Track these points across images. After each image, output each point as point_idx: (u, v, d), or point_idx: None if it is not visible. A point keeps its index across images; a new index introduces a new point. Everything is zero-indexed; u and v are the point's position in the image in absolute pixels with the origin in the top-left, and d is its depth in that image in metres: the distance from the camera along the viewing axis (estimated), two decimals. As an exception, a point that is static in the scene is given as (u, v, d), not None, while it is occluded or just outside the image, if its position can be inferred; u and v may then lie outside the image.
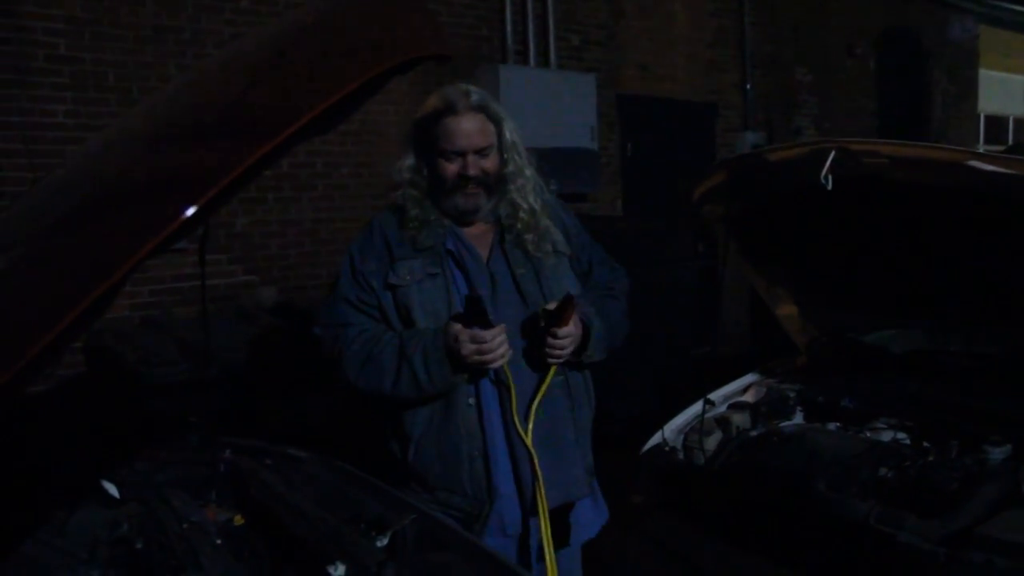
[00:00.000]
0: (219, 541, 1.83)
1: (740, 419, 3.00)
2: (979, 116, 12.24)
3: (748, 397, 3.15)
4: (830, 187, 2.30)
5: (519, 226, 2.13)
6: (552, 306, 2.03)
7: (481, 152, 2.07)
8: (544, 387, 2.09)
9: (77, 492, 1.94)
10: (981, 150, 11.09)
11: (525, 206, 2.13)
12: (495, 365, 2.00)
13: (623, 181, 7.45)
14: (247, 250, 5.38)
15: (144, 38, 4.96)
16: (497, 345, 1.97)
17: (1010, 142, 12.66)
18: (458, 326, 1.98)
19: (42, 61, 4.62)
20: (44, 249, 1.09)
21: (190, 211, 0.92)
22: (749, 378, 3.26)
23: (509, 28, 6.59)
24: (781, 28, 8.93)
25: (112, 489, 1.98)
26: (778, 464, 2.63)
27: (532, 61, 6.70)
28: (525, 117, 6.16)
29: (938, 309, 3.00)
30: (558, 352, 2.06)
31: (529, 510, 2.10)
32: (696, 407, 2.97)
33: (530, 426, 2.07)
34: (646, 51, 7.69)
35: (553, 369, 2.10)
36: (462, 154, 2.06)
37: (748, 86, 8.51)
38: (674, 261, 5.99)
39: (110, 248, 0.95)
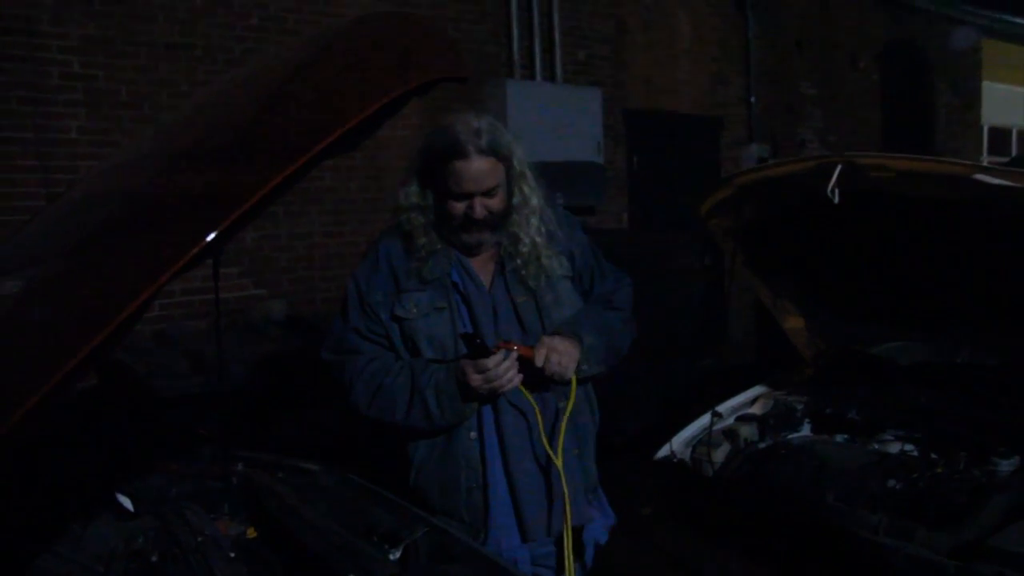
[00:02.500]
0: (232, 554, 1.85)
1: (748, 431, 3.01)
2: (983, 128, 12.25)
3: (756, 409, 3.16)
4: (837, 201, 2.32)
5: (518, 260, 2.14)
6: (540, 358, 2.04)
7: (488, 193, 2.06)
8: (570, 406, 2.11)
9: (92, 506, 1.96)
10: (985, 162, 11.12)
11: (527, 240, 2.13)
12: (506, 389, 2.03)
13: (629, 194, 7.47)
14: (257, 264, 5.42)
15: (157, 55, 5.01)
16: (504, 371, 2.00)
17: (1014, 154, 12.66)
18: (464, 362, 2.01)
19: (56, 79, 4.67)
20: (70, 270, 1.12)
21: (212, 235, 0.94)
22: (757, 390, 3.27)
23: (516, 44, 6.63)
24: (785, 42, 8.97)
25: (127, 503, 1.99)
26: (786, 476, 2.64)
27: (539, 76, 6.74)
28: (532, 131, 6.22)
29: (945, 321, 3.01)
30: (559, 372, 2.06)
31: (527, 537, 2.13)
32: (704, 419, 2.99)
33: (559, 445, 2.09)
34: (651, 65, 7.73)
35: (574, 380, 2.11)
36: (469, 196, 2.05)
37: (753, 99, 8.54)
38: (680, 273, 6.01)
39: (137, 268, 0.97)
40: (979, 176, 2.10)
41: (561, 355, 2.06)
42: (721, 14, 8.35)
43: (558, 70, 6.87)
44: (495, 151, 2.05)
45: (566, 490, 2.08)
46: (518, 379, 2.03)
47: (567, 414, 2.10)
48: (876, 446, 2.86)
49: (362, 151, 5.91)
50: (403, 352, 2.14)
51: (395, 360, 2.13)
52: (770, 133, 8.77)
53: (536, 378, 2.08)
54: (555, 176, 6.34)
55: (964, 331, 3.04)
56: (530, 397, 2.08)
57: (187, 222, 1.07)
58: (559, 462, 2.08)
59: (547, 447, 2.08)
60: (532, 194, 2.16)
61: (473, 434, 2.11)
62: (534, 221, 2.15)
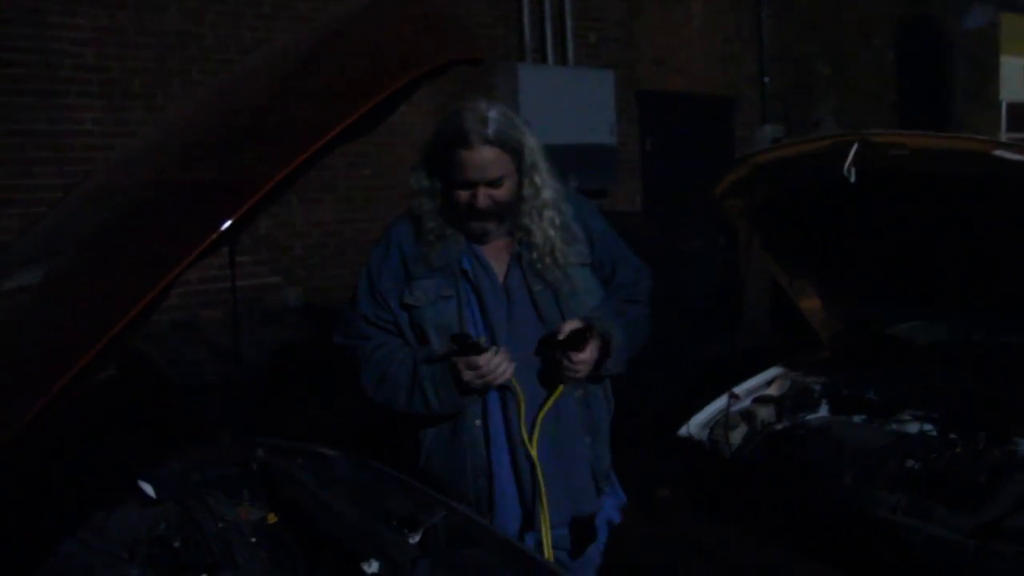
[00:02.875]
0: (253, 539, 1.87)
1: (765, 413, 3.01)
2: (1001, 104, 12.10)
3: (773, 391, 3.15)
4: (853, 180, 2.30)
5: (534, 254, 2.12)
6: (564, 334, 2.05)
7: (493, 183, 2.04)
8: (552, 400, 2.12)
9: (115, 493, 1.98)
10: (1004, 139, 10.97)
11: (539, 233, 2.11)
12: (499, 382, 2.04)
13: (642, 177, 7.44)
14: (272, 252, 5.44)
15: (168, 45, 5.02)
16: (495, 366, 2.00)
17: (1033, 130, 12.51)
18: (454, 359, 2.03)
19: (69, 70, 4.69)
20: (88, 261, 1.13)
21: (228, 222, 0.95)
22: (773, 371, 3.26)
23: (527, 27, 6.60)
24: (798, 21, 8.88)
25: (149, 489, 2.01)
26: (804, 457, 2.64)
27: (550, 59, 6.72)
28: (544, 115, 6.19)
29: (963, 300, 2.99)
30: (573, 374, 2.08)
31: (532, 525, 2.14)
32: (721, 401, 2.98)
33: (535, 436, 2.10)
34: (663, 47, 7.68)
35: (560, 388, 2.12)
36: (473, 185, 2.04)
37: (766, 79, 8.48)
38: (695, 255, 6.00)
39: (154, 257, 0.98)
40: (998, 152, 2.08)
41: (587, 365, 2.08)
42: (734, -6, 8.29)
43: (570, 53, 6.84)
44: (502, 141, 2.02)
45: (542, 483, 2.09)
46: (511, 370, 2.04)
47: (546, 408, 2.11)
48: (894, 426, 2.85)
49: (375, 137, 5.90)
50: (412, 340, 2.15)
51: (400, 347, 2.14)
52: (784, 113, 8.69)
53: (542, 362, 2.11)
54: (568, 159, 6.33)
55: (983, 310, 3.02)
56: (519, 390, 2.09)
57: (202, 210, 1.08)
58: (533, 450, 2.09)
59: (525, 439, 2.09)
60: (544, 186, 2.12)
61: (478, 422, 2.13)
62: (548, 213, 2.12)
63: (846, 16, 9.40)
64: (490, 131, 2.00)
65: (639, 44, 7.48)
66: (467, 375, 2.01)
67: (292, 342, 4.42)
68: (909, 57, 10.22)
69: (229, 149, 1.20)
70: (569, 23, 6.83)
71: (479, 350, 1.99)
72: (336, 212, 5.75)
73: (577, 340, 2.03)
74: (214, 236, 1.00)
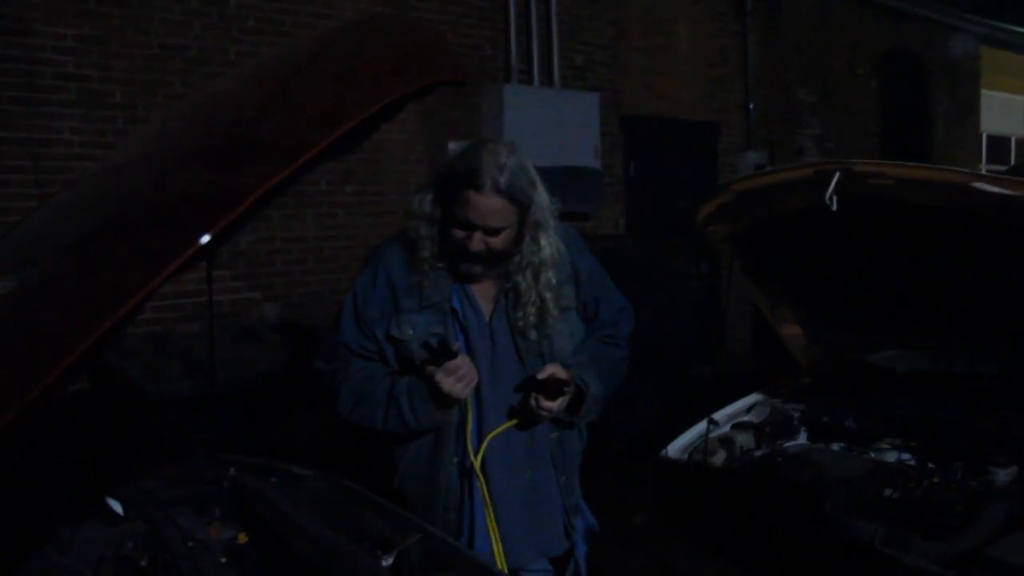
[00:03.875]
0: (223, 560, 1.82)
1: (744, 439, 3.00)
2: (981, 136, 12.27)
3: (752, 417, 3.15)
4: (835, 208, 2.31)
5: (519, 311, 2.11)
6: (545, 375, 2.06)
7: (493, 231, 2.02)
8: (504, 425, 2.12)
9: (82, 509, 1.94)
10: (984, 170, 11.12)
11: (530, 293, 2.10)
12: (472, 386, 2.05)
13: (626, 200, 7.46)
14: (251, 267, 5.39)
15: (151, 56, 4.98)
16: (468, 370, 2.02)
17: (1012, 162, 12.68)
18: (431, 368, 2.02)
19: (50, 79, 4.64)
20: (62, 271, 1.10)
21: (207, 237, 0.93)
22: (753, 398, 3.25)
23: (513, 48, 6.62)
24: (783, 48, 8.98)
25: (116, 506, 1.97)
26: (783, 485, 2.63)
27: (536, 80, 6.73)
28: (529, 136, 6.20)
29: (943, 329, 3.00)
30: (543, 415, 2.09)
31: (507, 565, 2.12)
32: (700, 427, 2.97)
33: (480, 453, 2.10)
34: (649, 70, 7.73)
35: (514, 420, 2.13)
36: (472, 228, 2.01)
37: (751, 106, 8.55)
38: (677, 279, 6.00)
39: (131, 270, 0.96)
40: (977, 184, 2.09)
41: (552, 414, 2.09)
42: (720, 20, 8.35)
43: (556, 75, 6.86)
44: (513, 193, 1.99)
45: (488, 499, 2.10)
46: (475, 379, 2.05)
47: (497, 430, 2.11)
48: (873, 455, 2.85)
49: (358, 154, 5.89)
50: (397, 370, 2.13)
51: (380, 369, 2.13)
52: (768, 140, 8.77)
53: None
54: (552, 182, 6.29)
55: (962, 339, 3.03)
56: (468, 401, 2.09)
57: (181, 224, 1.06)
58: (476, 463, 2.09)
59: (470, 451, 2.09)
60: (547, 246, 2.10)
61: (456, 459, 2.12)
62: (545, 274, 2.10)
63: (831, 45, 9.52)
64: (503, 180, 1.97)
65: (625, 67, 7.53)
66: (446, 383, 1.98)
67: (269, 359, 4.37)
68: (892, 87, 10.35)
69: (211, 162, 1.18)
70: (556, 45, 6.86)
71: (453, 355, 1.99)
72: (316, 228, 5.72)
73: (553, 389, 2.05)
74: (192, 251, 0.98)
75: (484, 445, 2.09)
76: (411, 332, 2.09)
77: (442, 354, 1.99)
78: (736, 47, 8.49)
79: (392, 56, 1.16)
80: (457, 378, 1.99)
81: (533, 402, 2.06)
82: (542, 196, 2.08)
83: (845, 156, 9.42)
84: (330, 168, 5.73)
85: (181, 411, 3.57)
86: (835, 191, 2.29)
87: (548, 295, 2.11)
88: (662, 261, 5.93)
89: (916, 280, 2.82)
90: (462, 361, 1.99)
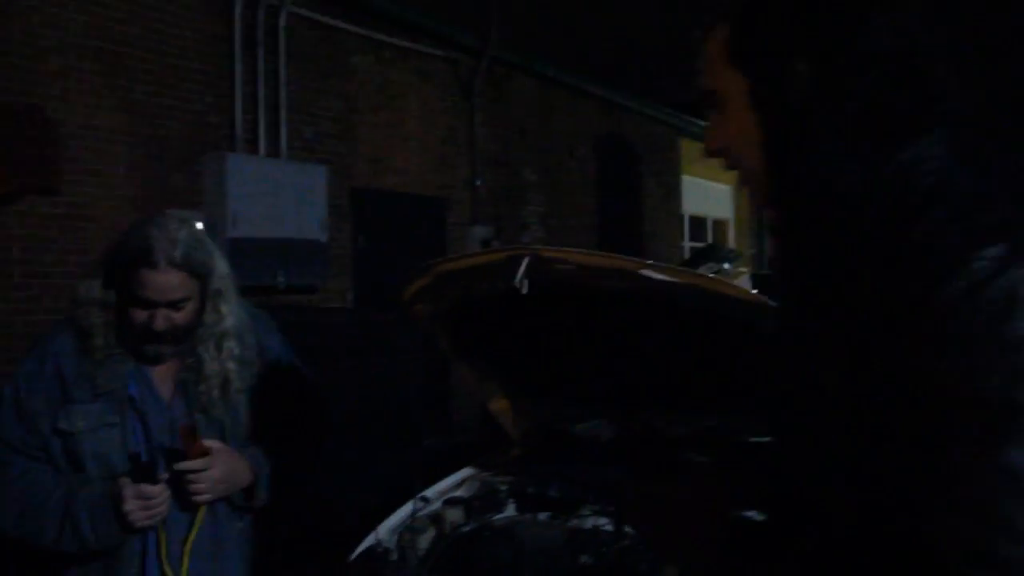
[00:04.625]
0: None
1: (454, 515, 3.03)
2: (683, 216, 13.67)
3: (462, 491, 3.19)
4: (525, 291, 2.44)
5: (201, 385, 2.03)
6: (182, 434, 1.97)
7: (175, 305, 1.95)
8: (195, 528, 2.00)
9: None
10: (687, 247, 12.30)
11: (212, 364, 2.03)
12: (158, 520, 1.92)
13: (355, 273, 7.46)
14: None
15: None
16: (163, 501, 1.90)
17: (710, 240, 14.23)
18: (126, 482, 1.88)
19: None
20: None
21: None
22: (464, 472, 3.31)
23: (239, 116, 6.47)
24: (509, 129, 9.52)
25: None
26: (487, 559, 2.68)
27: (262, 150, 6.60)
28: (253, 207, 6.06)
29: (637, 399, 3.25)
30: (198, 488, 1.96)
31: None
32: (410, 506, 2.97)
33: (184, 567, 1.97)
34: (379, 145, 7.86)
35: (202, 510, 2.01)
36: (154, 305, 1.93)
37: (478, 183, 8.93)
38: (405, 352, 6.05)
39: None
40: (645, 272, 2.30)
41: (207, 483, 1.96)
42: (448, 100, 8.70)
43: (283, 146, 6.78)
44: (189, 265, 1.94)
45: None
46: (166, 511, 1.92)
47: (190, 540, 2.00)
48: (574, 522, 2.99)
49: (60, 222, 5.43)
50: (64, 468, 1.93)
51: (50, 475, 1.92)
52: (495, 215, 9.18)
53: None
54: (277, 254, 6.21)
55: (655, 407, 3.29)
56: (161, 527, 1.96)
57: None
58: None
59: (166, 569, 1.96)
60: (229, 314, 2.06)
61: (134, 571, 1.96)
62: (228, 345, 2.05)
63: (553, 127, 10.23)
64: (178, 254, 1.91)
65: (355, 141, 7.60)
66: (132, 505, 1.84)
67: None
68: (607, 169, 11.29)
69: None
70: (284, 115, 6.78)
71: (155, 480, 1.86)
72: (7, 302, 5.16)
73: (189, 444, 1.94)
74: None
75: (186, 557, 1.95)
76: (82, 424, 1.92)
77: (143, 474, 1.86)
78: (464, 126, 8.87)
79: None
80: (146, 506, 1.85)
81: (185, 477, 1.94)
82: (221, 265, 2.05)
83: (566, 232, 10.10)
84: (23, 235, 5.23)
85: None
86: (525, 275, 2.42)
87: (231, 366, 2.05)
88: (390, 334, 5.96)
89: (607, 354, 3.03)
90: (159, 491, 1.87)
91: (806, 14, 1.04)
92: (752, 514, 1.22)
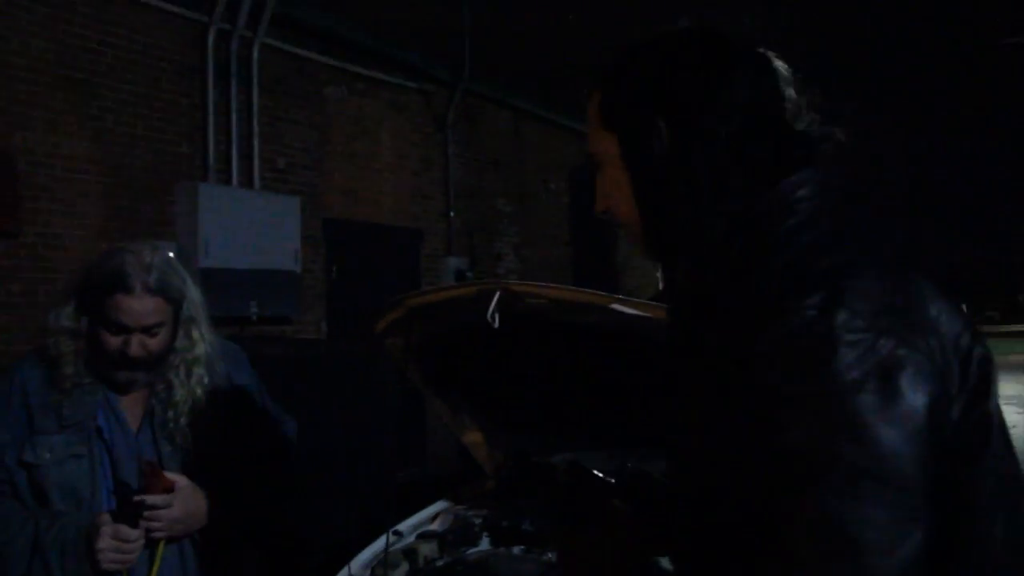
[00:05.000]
0: None
1: (428, 549, 3.01)
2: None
3: (436, 525, 3.17)
4: (497, 325, 2.45)
5: (170, 412, 2.02)
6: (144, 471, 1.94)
7: (149, 331, 1.95)
8: (156, 565, 1.96)
9: None
10: (660, 277, 12.30)
11: (183, 392, 2.02)
12: (129, 565, 1.88)
13: (328, 304, 7.43)
14: None
15: None
16: (138, 548, 1.87)
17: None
18: (106, 519, 1.85)
19: None
20: None
21: None
22: (438, 505, 3.29)
23: (212, 146, 6.46)
24: (483, 162, 9.57)
25: None
26: (459, 595, 2.66)
27: (235, 181, 6.58)
28: (226, 237, 6.03)
29: (610, 431, 3.25)
30: (153, 525, 1.92)
31: None
32: (383, 540, 2.94)
33: None
34: (353, 176, 7.86)
35: (161, 544, 1.97)
36: (129, 331, 1.93)
37: (452, 214, 8.95)
38: (379, 383, 6.01)
39: None
40: (615, 306, 2.32)
41: (164, 522, 1.93)
42: (422, 132, 8.74)
43: (256, 176, 6.76)
44: (164, 291, 1.95)
45: None
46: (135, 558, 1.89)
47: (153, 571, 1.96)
48: (549, 556, 2.97)
49: (28, 250, 5.38)
50: (29, 502, 1.90)
51: (16, 510, 1.88)
52: (469, 246, 9.20)
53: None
54: (249, 285, 6.17)
55: (627, 439, 3.29)
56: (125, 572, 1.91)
57: None
58: None
59: None
60: (200, 341, 2.06)
61: None
62: (198, 371, 2.04)
63: (527, 160, 10.30)
64: (153, 279, 1.92)
65: (329, 172, 7.60)
66: (106, 544, 1.80)
67: None
68: (581, 200, 11.36)
69: None
70: (257, 146, 6.78)
71: (135, 522, 1.83)
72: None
73: (145, 481, 1.91)
74: None
75: None
76: (47, 456, 1.89)
77: (126, 514, 1.82)
78: (438, 157, 8.91)
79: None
80: (120, 548, 1.82)
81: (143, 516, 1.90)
82: (193, 292, 2.06)
83: (540, 262, 10.14)
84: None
85: None
86: (496, 308, 2.43)
87: (200, 392, 2.03)
88: (364, 365, 5.92)
89: (579, 386, 3.04)
90: (137, 535, 1.84)
91: (669, 76, 1.11)
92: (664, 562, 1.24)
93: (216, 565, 2.10)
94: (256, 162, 6.76)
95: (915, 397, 0.88)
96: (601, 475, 1.56)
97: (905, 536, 0.85)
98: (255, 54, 6.74)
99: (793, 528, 0.86)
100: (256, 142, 6.77)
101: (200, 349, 2.06)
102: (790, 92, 1.11)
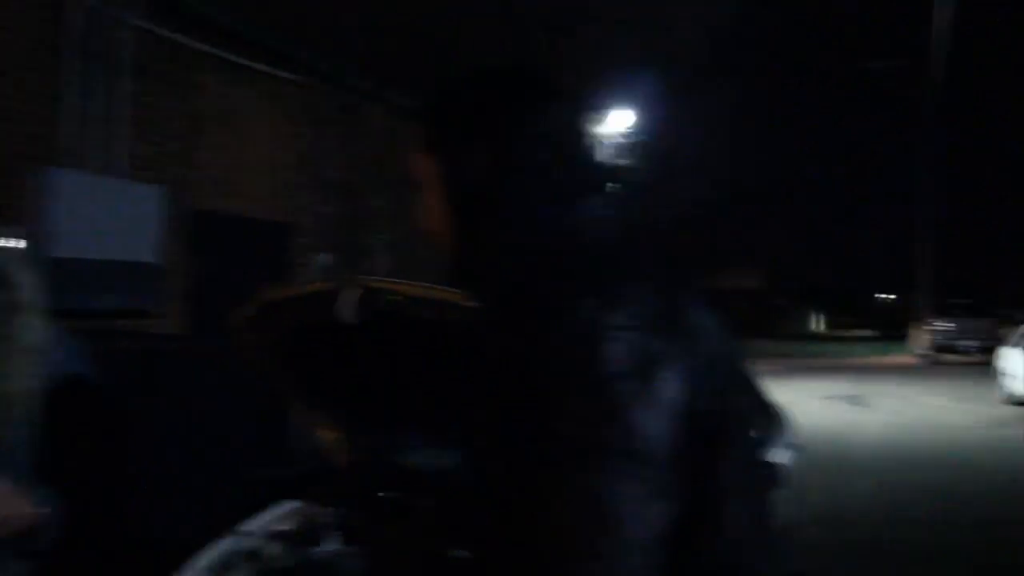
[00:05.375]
0: None
1: (273, 549, 2.95)
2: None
3: (285, 525, 3.11)
4: (352, 321, 2.44)
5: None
6: None
7: None
8: None
9: None
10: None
11: (10, 386, 1.90)
12: None
13: (192, 297, 7.18)
14: None
15: None
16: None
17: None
18: None
19: None
20: None
21: None
22: (289, 504, 3.23)
23: (63, 129, 6.12)
24: (357, 159, 9.46)
25: None
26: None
27: (94, 167, 6.26)
28: (79, 226, 5.72)
29: (464, 428, 3.28)
30: None
31: None
32: (228, 541, 2.87)
33: None
34: (224, 168, 7.64)
35: None
36: None
37: (324, 209, 8.82)
38: (239, 381, 5.84)
39: None
40: (471, 303, 2.35)
41: None
42: (297, 125, 8.58)
43: (118, 163, 6.46)
44: None
45: None
46: None
47: None
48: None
49: None
50: None
51: None
52: (341, 241, 9.09)
53: None
54: (105, 276, 5.87)
55: (473, 435, 3.33)
56: None
57: None
58: None
59: None
60: (33, 332, 1.95)
61: None
62: (27, 362, 1.93)
63: (397, 155, 10.26)
64: None
65: (199, 163, 7.36)
66: None
67: None
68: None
69: None
70: (119, 131, 6.48)
71: None
72: None
73: None
74: None
75: None
76: None
77: None
78: (312, 152, 8.77)
79: None
80: None
81: None
82: (30, 276, 1.96)
83: (415, 259, 10.11)
84: None
85: None
86: (353, 305, 2.42)
87: (32, 386, 1.93)
88: (224, 360, 5.75)
89: (436, 383, 3.05)
90: None
91: (485, 107, 1.24)
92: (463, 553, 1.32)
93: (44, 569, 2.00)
94: (116, 148, 6.46)
95: (671, 388, 1.01)
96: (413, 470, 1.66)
97: (657, 508, 0.98)
98: (124, 35, 6.45)
99: (562, 503, 0.96)
100: (120, 127, 6.47)
101: (29, 339, 1.96)
102: (590, 127, 1.22)
